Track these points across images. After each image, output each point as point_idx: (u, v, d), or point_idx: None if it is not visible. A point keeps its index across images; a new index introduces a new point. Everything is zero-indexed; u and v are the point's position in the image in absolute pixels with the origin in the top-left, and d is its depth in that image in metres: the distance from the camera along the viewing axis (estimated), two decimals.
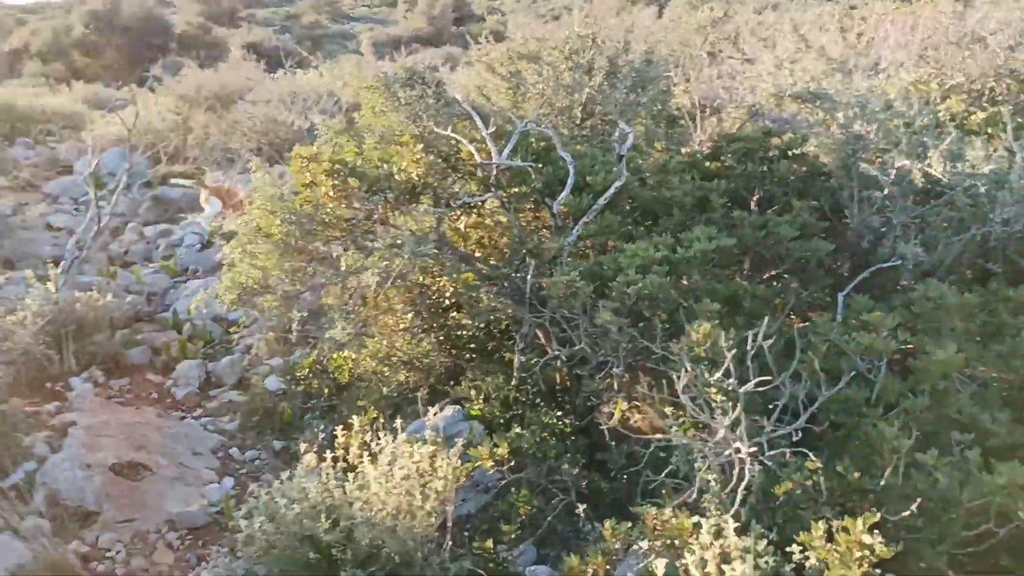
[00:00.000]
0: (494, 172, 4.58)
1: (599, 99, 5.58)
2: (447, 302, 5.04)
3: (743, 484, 3.26)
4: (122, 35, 28.93)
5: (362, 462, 3.60)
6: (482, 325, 4.77)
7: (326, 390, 5.36)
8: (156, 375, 6.10)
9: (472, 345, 5.02)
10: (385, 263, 4.27)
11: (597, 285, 4.10)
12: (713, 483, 3.37)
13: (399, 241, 4.34)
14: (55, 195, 10.41)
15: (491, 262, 4.87)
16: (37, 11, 44.48)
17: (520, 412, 4.42)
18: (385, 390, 4.85)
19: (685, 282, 4.16)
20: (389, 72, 5.07)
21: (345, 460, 3.62)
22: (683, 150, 5.18)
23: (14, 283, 7.73)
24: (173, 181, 10.07)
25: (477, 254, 4.97)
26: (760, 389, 3.33)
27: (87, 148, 11.18)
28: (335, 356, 5.36)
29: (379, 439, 3.69)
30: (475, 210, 4.88)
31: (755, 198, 4.90)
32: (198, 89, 11.56)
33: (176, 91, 11.73)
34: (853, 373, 3.58)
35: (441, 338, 5.07)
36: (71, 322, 5.81)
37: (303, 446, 3.71)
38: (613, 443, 4.05)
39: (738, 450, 3.35)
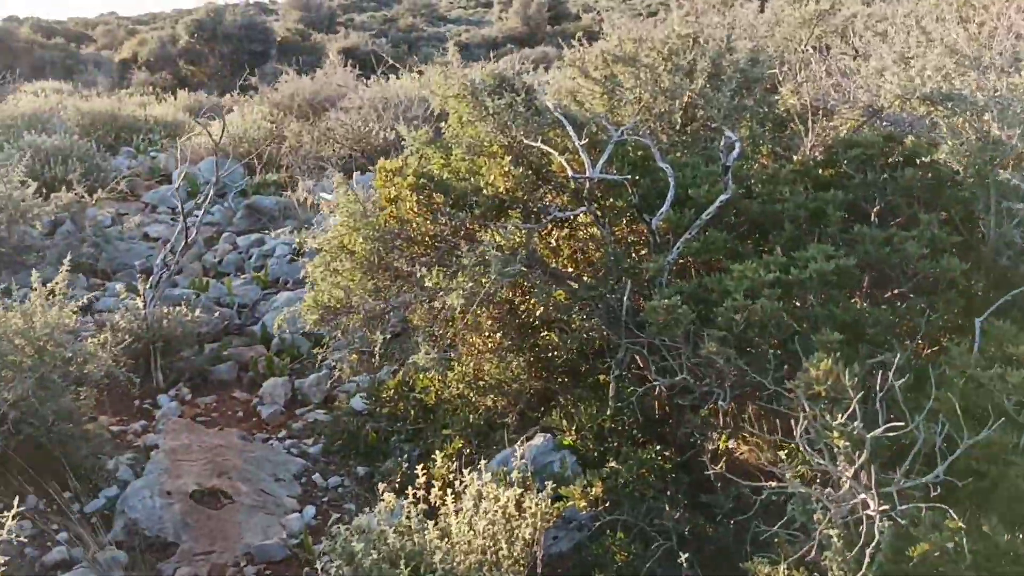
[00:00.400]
0: (587, 185, 4.27)
1: (701, 103, 5.19)
2: (537, 321, 4.75)
3: (872, 543, 2.87)
4: (224, 43, 29.65)
5: (444, 503, 3.34)
6: (575, 347, 4.45)
7: (412, 412, 5.14)
8: (243, 392, 5.99)
9: (564, 368, 4.71)
10: (471, 283, 4.01)
11: (700, 309, 3.74)
12: (836, 540, 2.98)
13: (486, 259, 4.07)
14: (153, 205, 10.54)
15: (584, 279, 4.57)
16: (148, 22, 46.19)
17: (615, 444, 4.10)
18: (471, 417, 4.59)
19: (799, 306, 3.77)
20: (476, 79, 4.80)
21: (427, 501, 3.36)
22: (794, 157, 4.75)
23: (110, 295, 7.80)
24: (267, 190, 10.08)
25: (570, 269, 4.67)
26: (890, 434, 2.93)
27: (183, 157, 11.33)
28: (421, 377, 5.14)
29: (463, 477, 3.41)
30: (567, 224, 4.57)
31: (875, 210, 4.45)
32: (291, 97, 11.57)
33: (270, 99, 11.77)
34: (998, 416, 3.14)
35: (531, 360, 4.77)
36: (159, 338, 5.74)
37: (382, 486, 3.47)
38: (719, 484, 3.69)
39: (865, 504, 2.96)
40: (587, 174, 4.18)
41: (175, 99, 20.21)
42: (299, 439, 5.31)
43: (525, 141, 4.52)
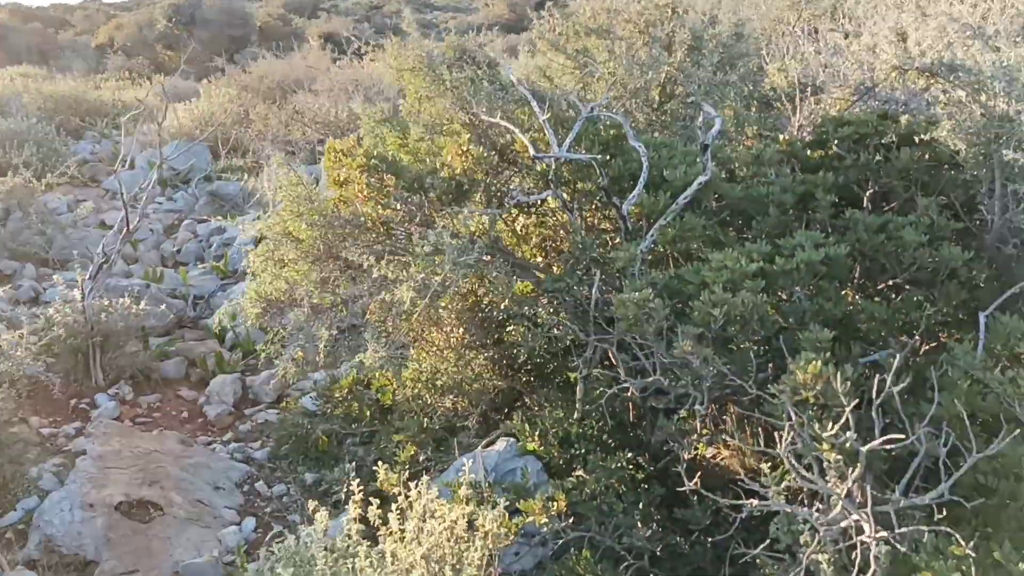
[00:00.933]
0: (554, 166, 3.87)
1: (680, 79, 4.81)
2: (501, 315, 4.36)
3: (867, 571, 2.50)
4: (203, 28, 29.06)
5: (386, 525, 2.95)
6: (540, 344, 4.06)
7: (367, 413, 4.75)
8: (190, 390, 5.58)
9: (530, 367, 4.33)
10: (423, 275, 3.61)
11: (675, 303, 3.36)
12: (826, 566, 2.62)
13: (440, 247, 3.67)
14: (113, 191, 10.08)
15: (553, 270, 4.18)
16: (132, 8, 45.43)
17: (583, 451, 3.71)
18: (427, 421, 4.20)
19: (785, 300, 3.40)
20: (434, 51, 4.39)
21: (365, 520, 2.97)
22: (781, 137, 4.36)
23: (61, 285, 7.37)
24: (231, 175, 9.64)
25: (538, 260, 4.28)
26: (887, 446, 2.55)
27: (149, 142, 10.87)
28: (378, 375, 4.75)
29: (407, 492, 3.02)
30: (535, 210, 4.17)
31: (868, 194, 4.07)
32: (260, 79, 11.11)
33: (238, 81, 11.31)
34: (1009, 425, 2.77)
35: (494, 357, 4.39)
36: (98, 333, 5.32)
37: (312, 504, 3.07)
38: (695, 497, 3.31)
39: (859, 526, 2.59)
40: (552, 153, 3.79)
41: (151, 84, 19.69)
42: (245, 442, 4.91)
43: (487, 118, 4.12)
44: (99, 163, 11.27)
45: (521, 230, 4.24)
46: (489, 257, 3.88)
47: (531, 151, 3.77)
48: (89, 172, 11.10)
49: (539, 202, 4.06)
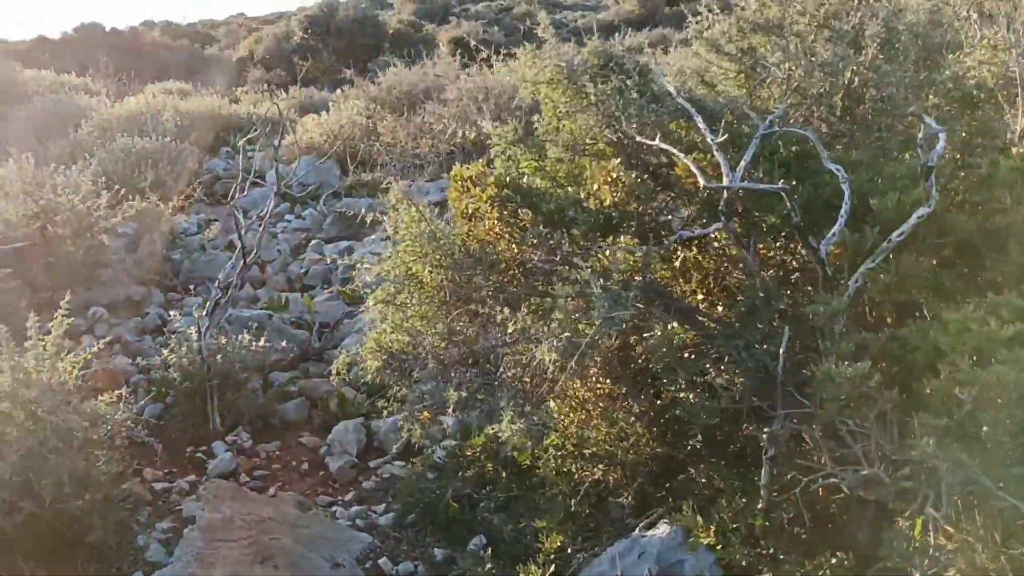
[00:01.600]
0: (724, 195, 3.16)
1: (872, 79, 4.00)
2: (659, 367, 3.67)
3: None
4: (337, 38, 29.43)
5: None
6: (714, 413, 3.35)
7: (503, 475, 4.16)
8: (312, 435, 5.13)
9: (695, 430, 3.62)
10: (568, 332, 2.98)
11: (897, 373, 2.61)
12: None
13: (588, 296, 3.03)
14: (245, 209, 9.89)
15: (720, 313, 3.47)
16: (273, 21, 46.85)
17: (770, 552, 3.00)
18: (573, 502, 3.56)
19: None
20: (575, 59, 3.74)
21: None
22: (1014, 151, 3.50)
23: (187, 312, 7.13)
24: (359, 191, 9.29)
25: (699, 297, 3.57)
26: None
27: (279, 157, 10.65)
28: None
29: None
30: (694, 241, 3.47)
31: None
32: (388, 90, 10.76)
33: (367, 92, 10.99)
34: None
35: (651, 415, 3.71)
36: (215, 375, 4.93)
37: None
38: None
39: None
40: (726, 182, 3.08)
41: (287, 95, 19.89)
42: (369, 505, 4.39)
43: (639, 138, 3.45)
44: (231, 180, 11.16)
45: (680, 266, 3.54)
46: (643, 305, 3.20)
47: (701, 181, 3.07)
48: (222, 189, 11.00)
49: (704, 236, 3.36)
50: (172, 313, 6.84)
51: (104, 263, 7.08)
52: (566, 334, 2.98)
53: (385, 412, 4.95)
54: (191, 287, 7.59)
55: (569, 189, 3.80)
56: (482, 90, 9.23)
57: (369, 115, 10.61)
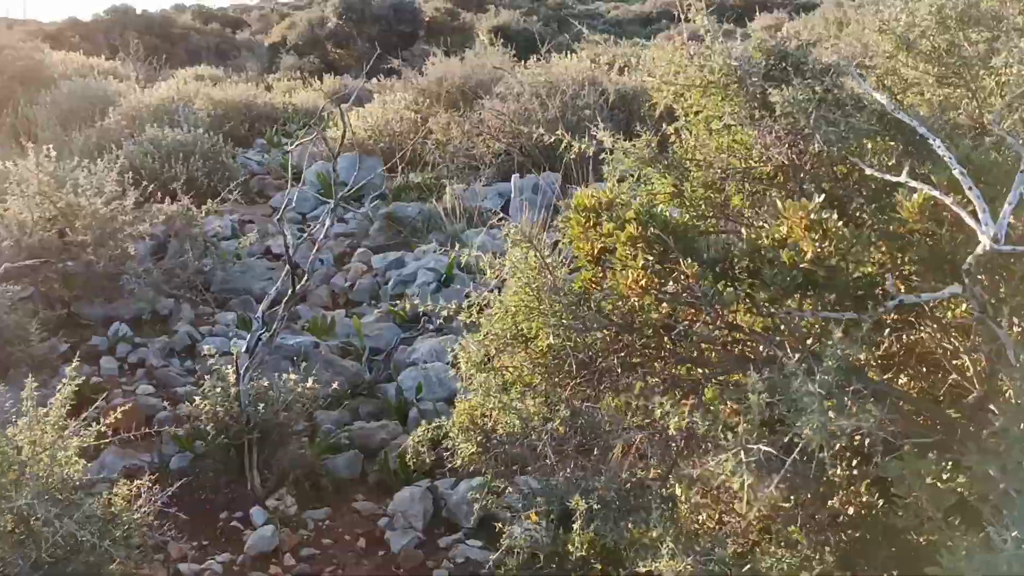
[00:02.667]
0: (980, 250, 2.28)
1: None
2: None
3: None
4: (372, 25, 28.61)
5: None
6: None
7: None
8: (368, 499, 4.31)
9: None
10: (758, 444, 2.12)
11: None
12: None
13: (782, 389, 2.18)
14: (280, 209, 9.08)
15: (953, 420, 2.60)
16: (304, 7, 46.19)
17: None
18: None
19: None
20: (738, 55, 2.86)
21: None
22: None
23: (219, 331, 6.34)
24: (408, 194, 8.45)
25: (910, 388, 2.70)
26: None
27: (320, 153, 9.88)
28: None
29: None
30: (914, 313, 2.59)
31: None
32: (439, 82, 9.91)
33: (415, 84, 10.15)
34: None
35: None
36: (255, 427, 4.12)
37: None
38: None
39: None
40: (984, 232, 2.20)
41: (321, 84, 19.14)
42: None
43: (874, 172, 2.57)
44: (267, 176, 10.38)
45: (889, 344, 2.66)
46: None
47: (986, 242, 2.17)
48: (257, 186, 10.22)
49: (934, 303, 2.48)
50: (204, 339, 6.07)
51: (128, 272, 6.30)
52: (756, 447, 2.12)
53: (456, 462, 4.14)
54: (224, 300, 6.79)
55: (710, 218, 2.96)
56: (546, 85, 8.37)
57: (417, 109, 9.77)
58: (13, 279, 5.85)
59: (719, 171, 2.96)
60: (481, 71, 9.85)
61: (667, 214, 2.77)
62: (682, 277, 2.53)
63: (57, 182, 6.29)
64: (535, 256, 2.71)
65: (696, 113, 3.02)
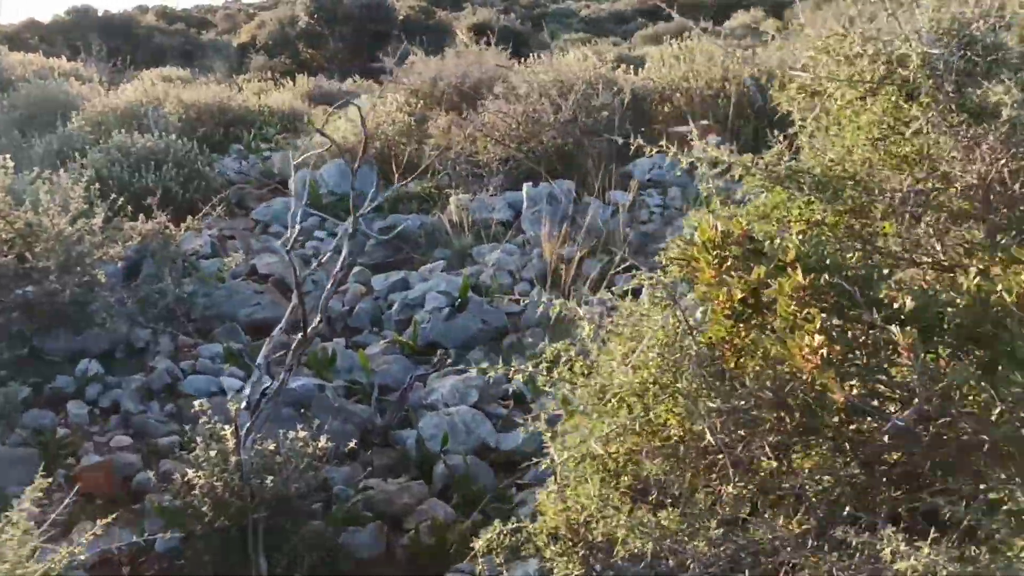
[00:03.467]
0: None
1: None
2: None
3: None
4: (344, 24, 27.74)
5: None
6: None
7: None
8: None
9: None
10: None
11: None
12: None
13: None
14: (265, 223, 8.31)
15: None
16: (270, 7, 45.19)
17: None
18: None
19: None
20: (928, 40, 2.17)
21: None
22: None
23: (202, 366, 5.56)
24: (407, 205, 7.70)
25: None
26: None
27: (304, 160, 9.09)
28: None
29: None
30: None
31: None
32: (433, 82, 9.16)
33: (408, 84, 9.39)
34: None
35: None
36: (260, 503, 3.37)
37: None
38: None
39: None
40: None
41: (293, 85, 18.32)
42: None
43: None
44: (246, 185, 9.57)
45: None
46: None
47: None
48: (235, 196, 9.41)
49: None
50: (187, 377, 5.30)
51: (98, 300, 5.50)
52: None
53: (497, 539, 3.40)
54: (207, 331, 6.01)
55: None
56: (556, 84, 7.66)
57: (411, 111, 9.01)
58: None
59: (885, 192, 2.26)
60: (479, 69, 9.13)
61: (841, 255, 2.07)
62: (885, 345, 1.83)
63: (14, 198, 5.50)
64: (677, 317, 1.99)
65: (851, 118, 2.32)
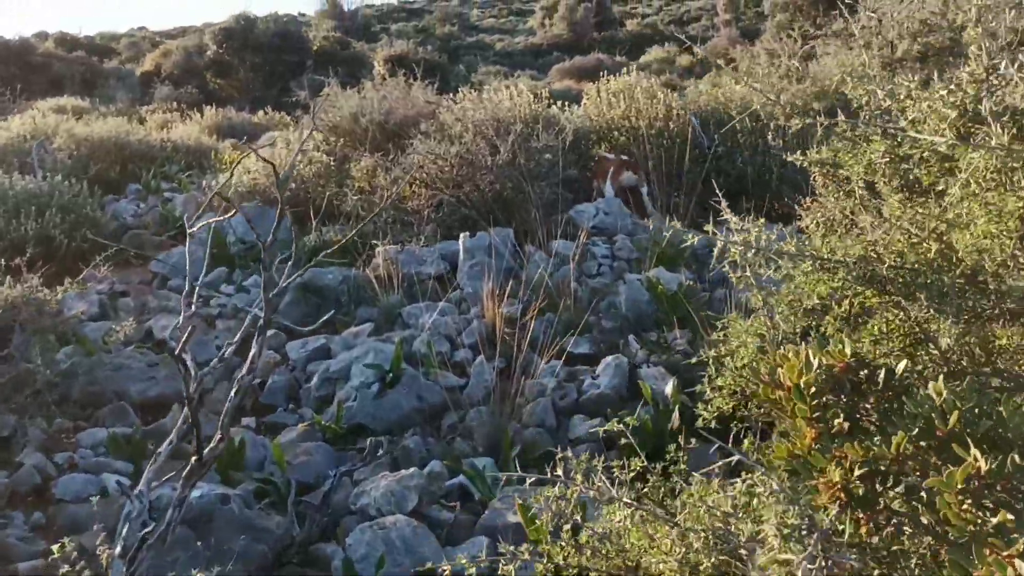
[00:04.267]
0: None
1: None
2: None
3: None
4: (255, 53, 26.71)
5: None
6: None
7: None
8: None
9: None
10: None
11: None
12: None
13: None
14: (164, 276, 7.36)
15: None
16: (177, 36, 43.66)
17: None
18: None
19: None
20: None
21: None
22: None
23: (84, 456, 4.63)
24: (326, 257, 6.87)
25: None
26: None
27: (206, 205, 8.19)
28: None
29: None
30: None
31: None
32: (355, 118, 8.36)
33: (326, 120, 8.57)
34: None
35: None
36: None
37: None
38: None
39: None
40: None
41: (201, 117, 17.30)
42: None
43: None
44: (143, 231, 8.57)
45: None
46: None
47: None
48: (132, 243, 8.40)
49: None
50: (61, 476, 4.37)
51: None
52: None
53: None
54: (89, 412, 5.06)
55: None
56: (493, 122, 6.94)
57: (329, 151, 8.18)
58: None
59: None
60: (404, 105, 8.37)
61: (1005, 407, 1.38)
62: None
63: None
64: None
65: (982, 198, 1.64)
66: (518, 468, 4.36)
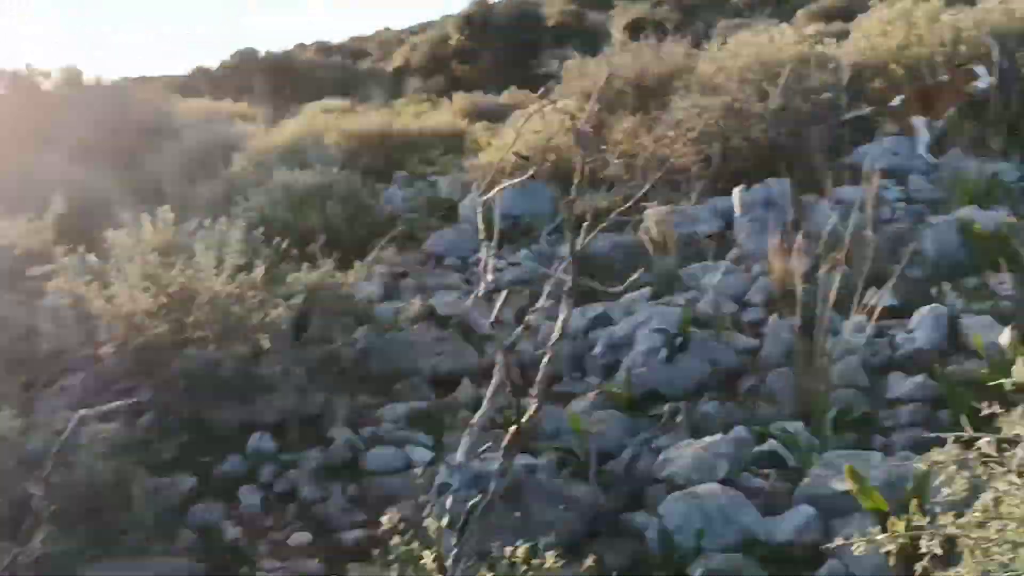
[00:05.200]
0: None
1: None
2: None
3: None
4: (496, 36, 27.27)
5: None
6: None
7: None
8: None
9: None
10: None
11: None
12: None
13: None
14: (438, 256, 7.57)
15: None
16: (419, 31, 45.66)
17: None
18: None
19: None
20: None
21: None
22: None
23: (386, 431, 4.80)
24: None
25: None
26: None
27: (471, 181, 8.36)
28: None
29: None
30: None
31: None
32: (609, 80, 8.16)
33: (576, 87, 8.45)
34: None
35: None
36: None
37: None
38: None
39: None
40: None
41: (451, 103, 17.89)
42: None
43: None
44: (414, 214, 8.89)
45: None
46: None
47: None
48: (407, 226, 8.74)
49: None
50: (369, 449, 4.54)
51: (265, 366, 4.83)
52: None
53: None
54: (386, 389, 5.25)
55: None
56: (760, 64, 6.49)
57: (586, 118, 8.03)
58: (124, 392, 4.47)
59: None
60: (658, 62, 8.06)
61: None
62: None
63: (172, 251, 4.94)
64: None
65: None
66: (832, 432, 4.03)
